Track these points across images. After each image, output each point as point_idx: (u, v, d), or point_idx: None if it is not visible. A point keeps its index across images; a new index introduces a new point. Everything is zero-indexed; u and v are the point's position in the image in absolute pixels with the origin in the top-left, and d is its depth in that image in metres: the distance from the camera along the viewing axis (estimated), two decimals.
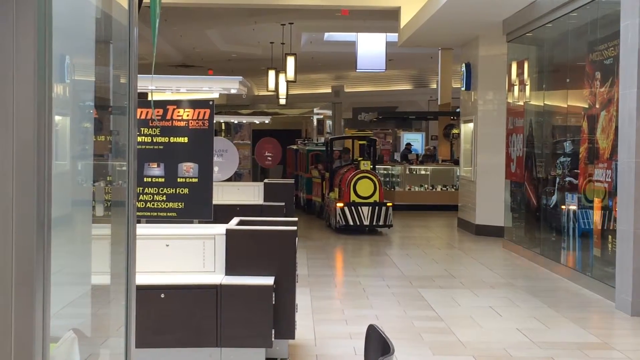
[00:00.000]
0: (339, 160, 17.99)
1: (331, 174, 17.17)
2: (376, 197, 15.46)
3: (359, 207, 15.33)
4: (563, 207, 10.97)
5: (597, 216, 9.75)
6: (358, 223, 15.32)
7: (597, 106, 9.77)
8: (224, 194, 11.58)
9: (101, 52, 2.93)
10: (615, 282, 8.89)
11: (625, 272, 8.64)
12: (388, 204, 15.50)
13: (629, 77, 8.67)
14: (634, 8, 8.60)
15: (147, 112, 7.84)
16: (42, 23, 1.81)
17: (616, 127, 9.05)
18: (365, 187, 15.46)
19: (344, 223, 15.30)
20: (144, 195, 7.87)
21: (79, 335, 2.49)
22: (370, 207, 15.36)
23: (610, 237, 9.37)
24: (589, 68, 10.07)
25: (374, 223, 15.38)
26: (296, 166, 21.60)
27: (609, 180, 9.34)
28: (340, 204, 15.37)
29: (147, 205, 7.87)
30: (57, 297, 2.03)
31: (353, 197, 15.40)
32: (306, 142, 24.26)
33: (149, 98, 9.48)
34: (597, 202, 9.75)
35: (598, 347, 7.22)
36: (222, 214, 8.75)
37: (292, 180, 14.91)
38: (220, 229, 6.39)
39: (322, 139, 26.63)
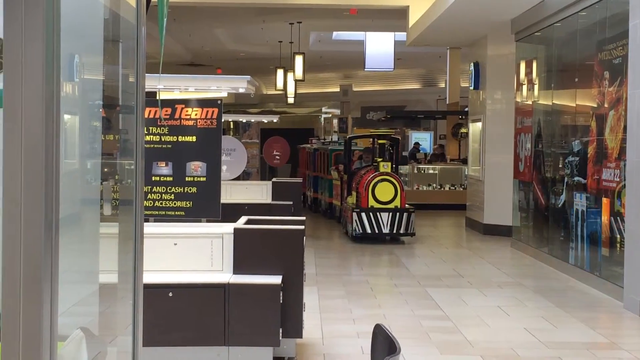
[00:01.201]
0: (359, 161, 16.29)
1: (349, 176, 15.61)
2: (397, 203, 13.92)
3: (378, 214, 13.88)
4: (579, 207, 10.95)
5: (605, 216, 9.72)
6: (377, 231, 13.90)
7: (606, 105, 9.75)
8: (232, 193, 11.60)
9: (110, 51, 2.93)
10: (624, 282, 8.87)
11: (633, 271, 8.62)
12: (410, 210, 14.01)
13: (638, 77, 8.65)
14: None
15: (155, 111, 7.86)
16: (51, 23, 1.82)
17: (625, 127, 9.03)
18: (385, 191, 13.93)
19: (360, 231, 13.89)
20: (152, 194, 7.89)
21: (87, 334, 2.50)
22: (391, 214, 13.88)
23: (619, 236, 9.34)
24: (598, 67, 10.04)
25: (395, 231, 13.93)
26: (314, 167, 20.00)
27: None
28: (356, 210, 14.01)
29: (156, 204, 7.89)
30: (65, 296, 2.03)
31: (371, 202, 13.90)
32: (324, 141, 23.17)
33: (158, 97, 9.50)
34: (605, 201, 9.72)
35: (606, 347, 7.21)
36: (230, 212, 8.76)
37: (300, 179, 14.82)
38: (228, 227, 6.39)
39: (338, 138, 25.49)
